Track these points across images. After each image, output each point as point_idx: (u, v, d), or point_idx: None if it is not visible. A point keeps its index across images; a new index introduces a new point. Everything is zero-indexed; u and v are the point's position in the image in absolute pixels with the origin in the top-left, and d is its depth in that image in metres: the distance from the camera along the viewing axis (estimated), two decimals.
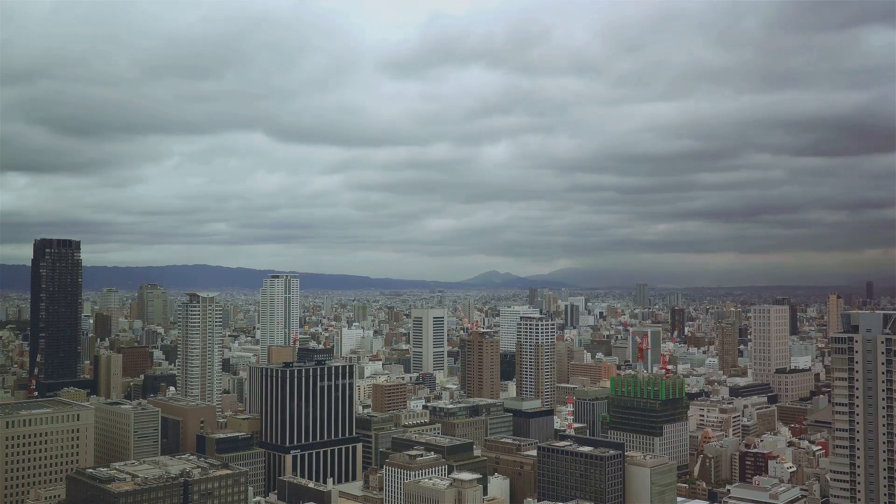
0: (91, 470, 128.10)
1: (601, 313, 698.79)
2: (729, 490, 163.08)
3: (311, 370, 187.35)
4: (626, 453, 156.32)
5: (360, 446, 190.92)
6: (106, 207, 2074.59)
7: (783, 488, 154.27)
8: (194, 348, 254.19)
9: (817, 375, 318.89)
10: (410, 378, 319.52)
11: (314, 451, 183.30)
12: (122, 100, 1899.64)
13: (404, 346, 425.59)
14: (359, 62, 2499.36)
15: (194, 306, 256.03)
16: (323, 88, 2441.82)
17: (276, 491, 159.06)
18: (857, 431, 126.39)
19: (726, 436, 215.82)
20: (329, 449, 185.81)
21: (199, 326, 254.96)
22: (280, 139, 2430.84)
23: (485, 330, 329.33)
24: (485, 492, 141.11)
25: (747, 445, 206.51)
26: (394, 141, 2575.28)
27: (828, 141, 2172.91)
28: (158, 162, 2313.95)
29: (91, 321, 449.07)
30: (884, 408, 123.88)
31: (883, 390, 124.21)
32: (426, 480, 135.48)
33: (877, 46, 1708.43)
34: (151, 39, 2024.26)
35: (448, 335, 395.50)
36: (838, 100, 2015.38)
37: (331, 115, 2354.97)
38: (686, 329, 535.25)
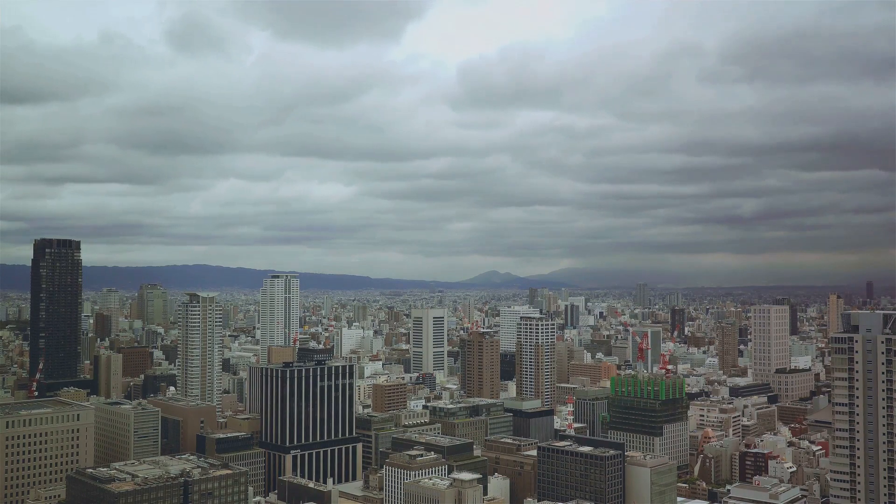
0: (91, 470, 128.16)
1: (601, 313, 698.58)
2: (729, 490, 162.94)
3: (311, 370, 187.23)
4: (626, 453, 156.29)
5: (360, 446, 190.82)
6: (150, 212, 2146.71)
7: (783, 488, 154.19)
8: (194, 348, 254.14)
9: (817, 375, 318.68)
10: (410, 378, 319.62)
11: (314, 451, 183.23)
12: (217, 129, 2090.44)
13: (404, 346, 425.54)
14: (433, 99, 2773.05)
15: (194, 306, 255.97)
16: (397, 119, 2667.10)
17: (276, 491, 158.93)
18: (857, 431, 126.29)
19: (726, 436, 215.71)
20: (329, 449, 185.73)
21: (199, 326, 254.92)
22: (338, 157, 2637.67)
23: (485, 330, 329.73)
24: (485, 492, 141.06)
25: (747, 445, 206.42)
26: (433, 155, 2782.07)
27: (831, 158, 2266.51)
28: (226, 177, 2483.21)
29: (91, 321, 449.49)
30: (884, 408, 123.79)
31: (883, 390, 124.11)
32: (426, 480, 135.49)
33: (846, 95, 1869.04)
34: (284, 86, 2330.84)
35: (448, 335, 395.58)
36: (834, 130, 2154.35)
37: (393, 138, 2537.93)
38: (686, 329, 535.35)
